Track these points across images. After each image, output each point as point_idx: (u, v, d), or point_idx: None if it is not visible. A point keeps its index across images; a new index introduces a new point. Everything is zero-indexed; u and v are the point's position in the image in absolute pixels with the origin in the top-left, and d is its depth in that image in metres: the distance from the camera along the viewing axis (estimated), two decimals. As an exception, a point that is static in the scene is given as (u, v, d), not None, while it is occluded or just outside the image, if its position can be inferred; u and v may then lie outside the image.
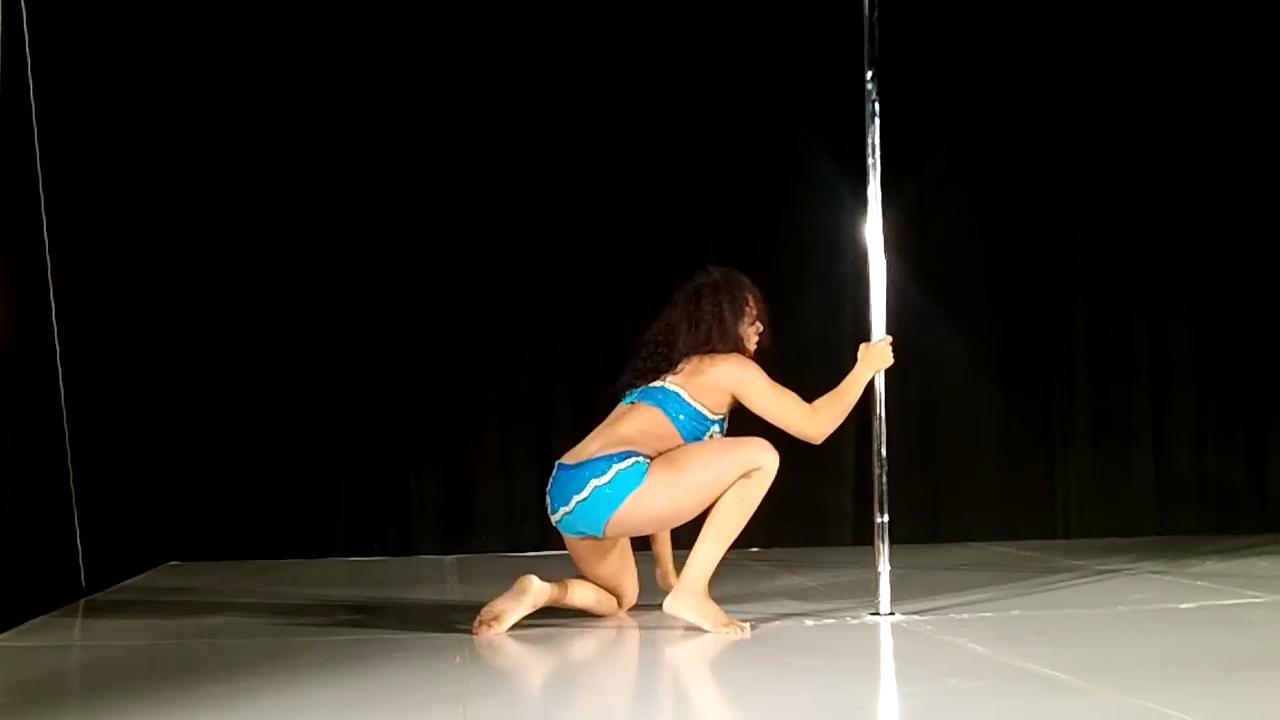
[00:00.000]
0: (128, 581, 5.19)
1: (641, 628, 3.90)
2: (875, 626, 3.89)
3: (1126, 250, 6.64)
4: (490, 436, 6.16)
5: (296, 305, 6.02)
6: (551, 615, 3.95)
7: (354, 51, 6.11)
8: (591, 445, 3.87)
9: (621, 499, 3.74)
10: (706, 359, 3.91)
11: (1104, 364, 6.61)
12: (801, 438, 3.95)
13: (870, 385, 4.06)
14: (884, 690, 3.18)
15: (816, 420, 3.92)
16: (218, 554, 5.81)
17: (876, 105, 4.09)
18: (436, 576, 5.27)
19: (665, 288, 6.13)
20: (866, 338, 4.10)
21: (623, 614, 4.08)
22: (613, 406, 4.02)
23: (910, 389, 6.08)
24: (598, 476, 3.76)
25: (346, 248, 6.08)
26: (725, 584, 4.76)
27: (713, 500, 3.79)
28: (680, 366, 3.91)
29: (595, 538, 3.88)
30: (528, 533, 6.08)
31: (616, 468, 3.75)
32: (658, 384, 3.92)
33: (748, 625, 3.78)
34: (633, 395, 3.97)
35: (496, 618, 3.80)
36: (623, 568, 4.06)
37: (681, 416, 3.87)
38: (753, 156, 6.31)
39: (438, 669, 3.31)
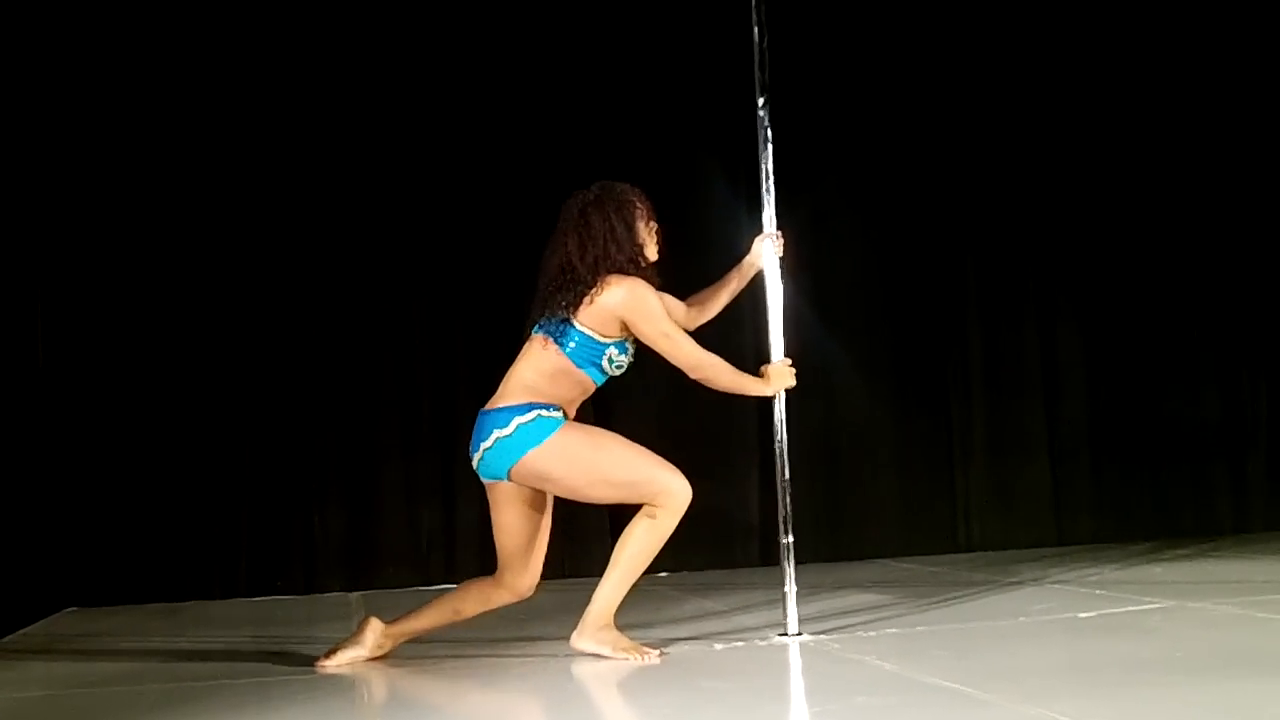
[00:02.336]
0: (24, 630, 5.07)
1: (552, 656, 3.89)
2: (784, 647, 3.91)
3: (1017, 266, 6.77)
4: (394, 467, 6.12)
5: (192, 341, 5.94)
6: (463, 646, 3.92)
7: (246, 88, 6.05)
8: (499, 391, 3.85)
9: (522, 452, 3.73)
10: (600, 284, 3.80)
11: (998, 378, 6.72)
12: (684, 369, 3.89)
13: (771, 408, 4.09)
14: (794, 711, 3.19)
15: (704, 368, 3.86)
16: (118, 598, 5.70)
17: (769, 131, 4.13)
18: (342, 614, 5.20)
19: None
20: (766, 354, 4.13)
21: (511, 600, 3.97)
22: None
23: (809, 408, 6.14)
24: (500, 427, 3.76)
25: (241, 283, 6.01)
26: (633, 610, 4.75)
27: (608, 498, 3.81)
28: (580, 293, 3.80)
29: (498, 483, 3.84)
30: (435, 564, 6.04)
31: (517, 420, 3.74)
32: (558, 315, 3.83)
33: (655, 651, 3.77)
34: (535, 329, 3.90)
35: (332, 653, 3.87)
36: (528, 544, 3.93)
37: (572, 344, 3.81)
38: (652, 180, 6.24)
39: (344, 708, 3.27)
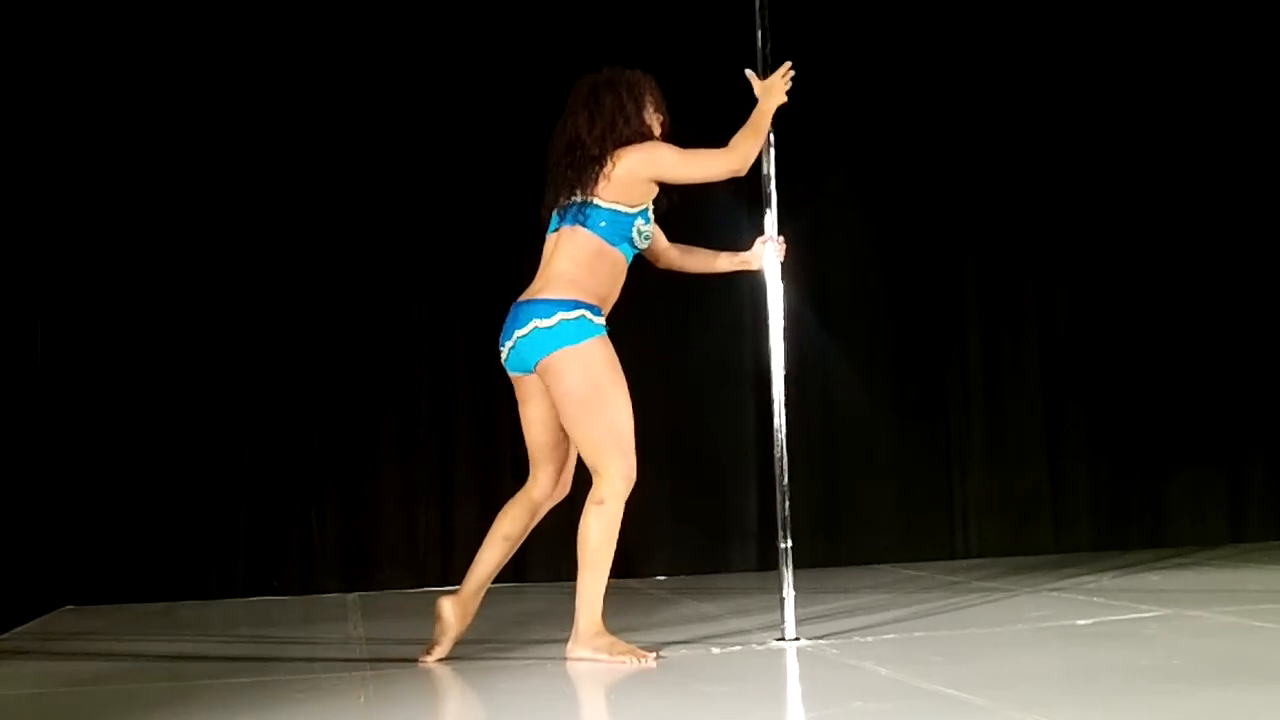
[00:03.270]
0: (20, 627, 5.06)
1: (549, 659, 3.88)
2: (781, 652, 3.91)
3: (1019, 273, 6.77)
4: (392, 469, 6.11)
5: (191, 341, 5.93)
6: (460, 649, 3.92)
7: (247, 88, 6.05)
8: (536, 284, 3.85)
9: (556, 346, 3.72)
10: (610, 159, 3.82)
11: (997, 383, 6.72)
12: (729, 176, 3.93)
13: (770, 413, 4.10)
14: (791, 715, 3.19)
15: (734, 155, 3.91)
16: (114, 597, 5.69)
17: (771, 135, 4.13)
18: (339, 615, 5.20)
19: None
20: (766, 360, 4.13)
21: (548, 504, 3.98)
22: (543, 229, 3.98)
23: (809, 412, 6.15)
24: (541, 317, 3.75)
25: (240, 283, 6.00)
26: (630, 613, 4.76)
27: (579, 433, 3.77)
28: (595, 171, 3.83)
29: (526, 376, 3.85)
30: (431, 566, 6.04)
31: (561, 315, 3.74)
32: (576, 199, 3.85)
33: (651, 654, 3.77)
34: (555, 223, 3.92)
35: (431, 648, 3.90)
36: (559, 439, 3.91)
37: (603, 224, 3.83)
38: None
39: (340, 710, 3.27)
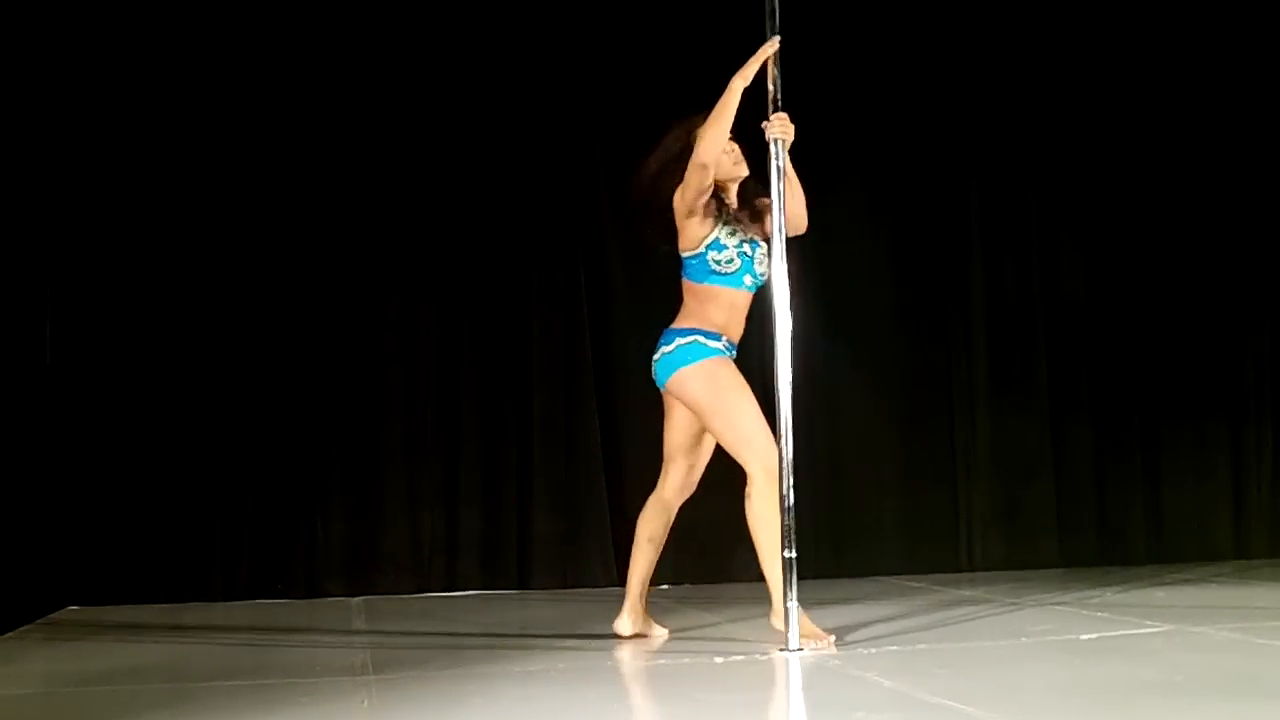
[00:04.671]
0: (25, 627, 5.07)
1: (552, 667, 3.89)
2: (784, 662, 3.91)
3: (1025, 286, 6.77)
4: (397, 473, 6.11)
5: (198, 345, 5.93)
6: (463, 655, 3.92)
7: (254, 92, 6.06)
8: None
9: (674, 368, 4.25)
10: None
11: (1003, 397, 6.72)
12: (705, 163, 4.14)
13: (776, 424, 4.10)
14: (793, 726, 3.19)
15: (698, 149, 4.15)
16: (119, 598, 5.69)
17: (779, 144, 4.13)
18: (343, 618, 5.21)
19: (573, 322, 6.23)
20: (772, 370, 4.13)
21: (677, 502, 4.50)
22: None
23: (815, 424, 6.14)
24: (666, 344, 4.30)
25: (247, 287, 6.00)
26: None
27: (721, 438, 4.26)
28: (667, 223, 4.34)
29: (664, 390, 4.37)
30: (436, 572, 6.04)
31: (678, 340, 4.28)
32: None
33: (830, 637, 4.07)
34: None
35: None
36: (692, 444, 4.42)
37: (686, 270, 4.33)
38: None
39: (343, 714, 3.27)
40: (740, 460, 4.21)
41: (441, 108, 6.21)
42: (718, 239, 4.24)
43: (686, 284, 4.33)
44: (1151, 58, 6.90)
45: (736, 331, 4.34)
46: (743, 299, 4.32)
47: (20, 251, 5.49)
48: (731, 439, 4.21)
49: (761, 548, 4.16)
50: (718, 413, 4.21)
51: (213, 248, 5.98)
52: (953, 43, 6.74)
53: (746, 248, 4.27)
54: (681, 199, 4.23)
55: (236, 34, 6.03)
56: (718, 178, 4.24)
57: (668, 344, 4.29)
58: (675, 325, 4.33)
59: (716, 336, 4.27)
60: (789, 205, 4.18)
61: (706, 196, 4.22)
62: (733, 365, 4.29)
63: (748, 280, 4.29)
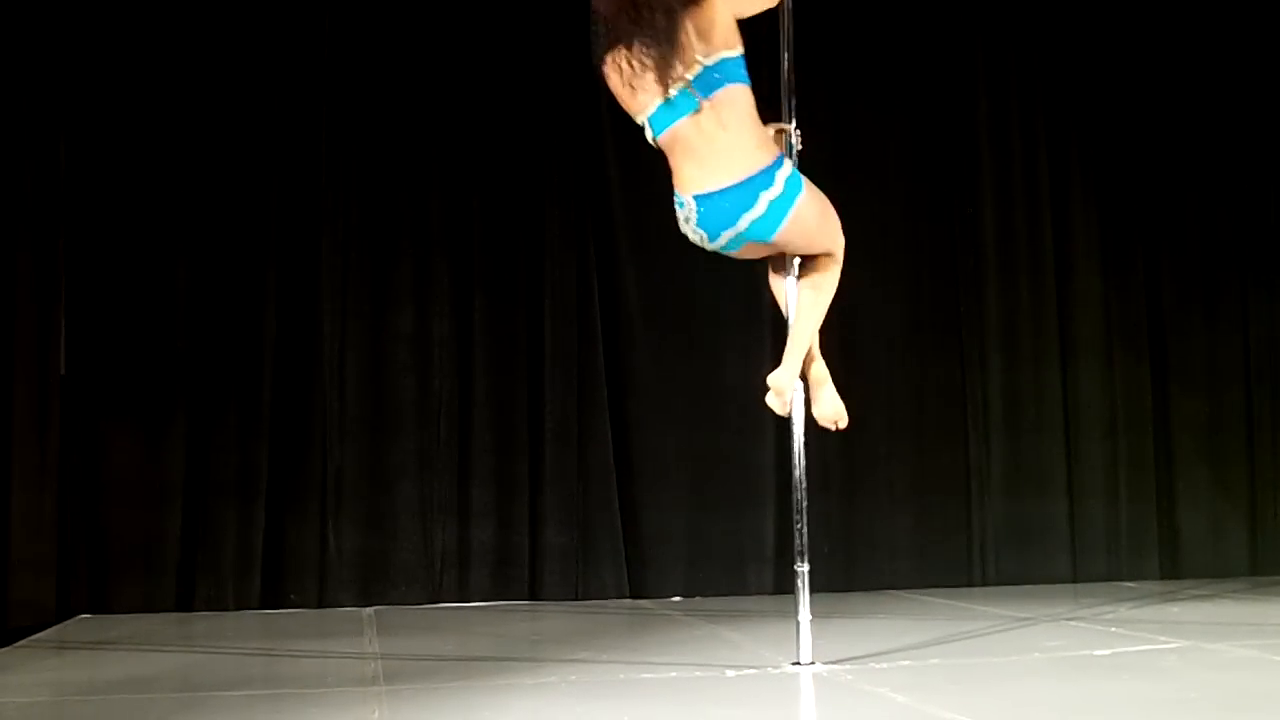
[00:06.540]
0: (36, 635, 5.08)
1: (563, 680, 3.88)
2: (796, 676, 3.90)
3: (1039, 300, 6.75)
4: (409, 485, 6.10)
5: (210, 351, 5.93)
6: (473, 668, 3.92)
7: (261, 97, 6.08)
8: (715, 166, 3.76)
9: (790, 204, 3.79)
10: (687, 8, 3.70)
11: (1017, 413, 6.69)
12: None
13: (789, 436, 4.10)
14: (804, 741, 3.18)
15: None
16: (130, 606, 5.69)
17: (797, 147, 4.13)
18: (354, 629, 5.20)
19: (588, 334, 6.23)
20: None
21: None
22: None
23: (827, 437, 6.11)
24: (766, 188, 3.76)
25: (261, 295, 6.00)
26: (645, 635, 4.76)
27: (818, 245, 3.96)
28: (678, 34, 3.68)
29: (764, 244, 3.91)
30: (447, 583, 6.04)
31: (780, 175, 3.79)
32: (697, 65, 3.71)
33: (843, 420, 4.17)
34: (683, 98, 3.74)
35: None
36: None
37: (720, 75, 3.73)
38: (665, 192, 6.33)
39: (355, 724, 3.27)
40: (827, 251, 3.99)
41: (445, 113, 6.20)
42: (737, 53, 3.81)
43: (729, 93, 3.72)
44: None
45: None
46: None
47: (33, 260, 5.51)
48: (835, 236, 3.98)
49: (800, 313, 4.02)
50: (826, 222, 3.95)
51: (225, 256, 5.98)
52: (954, 43, 6.75)
53: None
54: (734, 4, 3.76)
55: (240, 32, 6.05)
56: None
57: (767, 187, 3.75)
58: (748, 171, 3.74)
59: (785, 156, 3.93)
60: None
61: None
62: None
63: None
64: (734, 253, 3.97)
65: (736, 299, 6.22)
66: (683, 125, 3.78)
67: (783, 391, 3.99)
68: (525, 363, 6.23)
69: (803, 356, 4.04)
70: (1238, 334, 6.93)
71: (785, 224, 3.81)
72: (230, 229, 6.00)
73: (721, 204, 3.78)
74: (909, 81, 6.67)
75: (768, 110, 4.02)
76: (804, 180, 3.88)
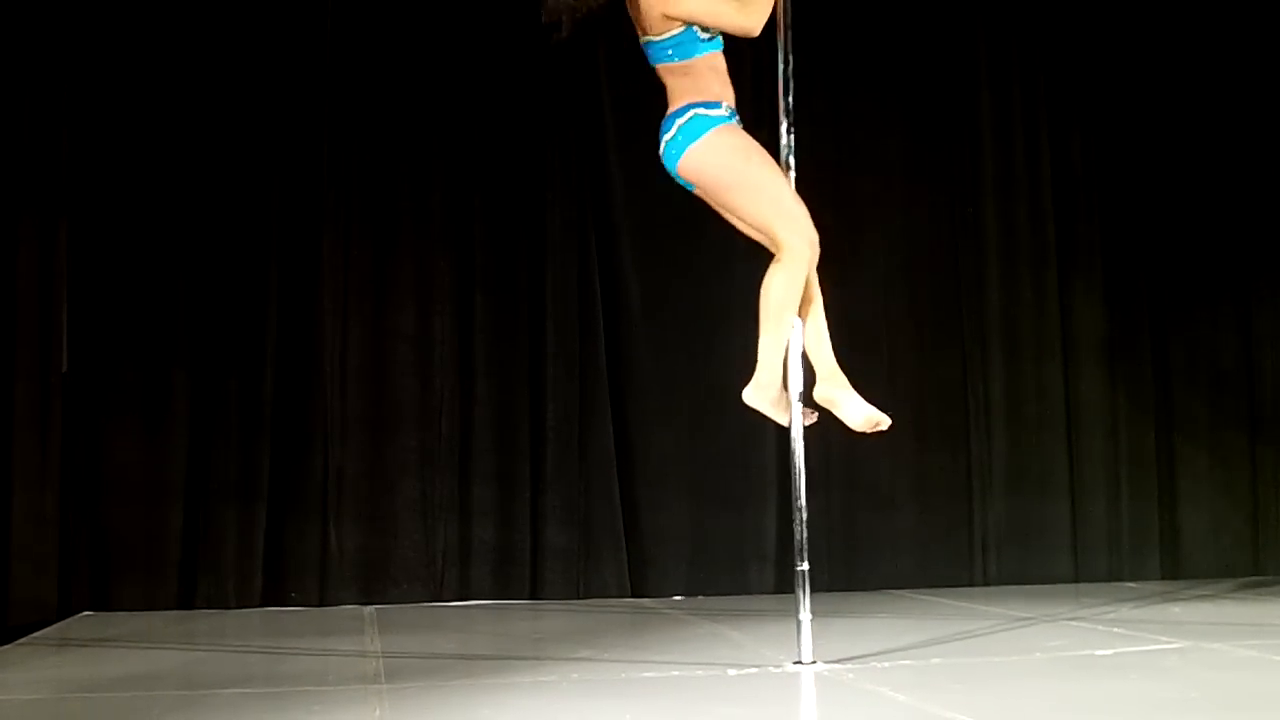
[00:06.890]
0: (38, 632, 5.08)
1: (564, 679, 3.88)
2: (797, 675, 3.90)
3: (1040, 301, 6.75)
4: (410, 484, 6.10)
5: (213, 349, 5.93)
6: (475, 666, 3.92)
7: (265, 103, 6.08)
8: (672, 102, 3.99)
9: (683, 149, 3.90)
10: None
11: (1019, 412, 6.69)
12: (740, 33, 3.98)
13: (790, 436, 4.09)
14: (805, 740, 3.19)
15: (750, 12, 3.96)
16: (132, 604, 5.69)
17: (792, 154, 4.13)
18: (355, 627, 5.20)
19: (589, 333, 6.23)
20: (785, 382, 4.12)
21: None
22: None
23: (831, 437, 6.12)
24: (666, 131, 3.94)
25: (262, 292, 6.00)
26: (646, 634, 4.76)
27: (746, 213, 3.95)
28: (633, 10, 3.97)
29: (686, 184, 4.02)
30: (448, 582, 6.03)
31: (677, 121, 3.92)
32: (646, 38, 3.98)
33: (814, 414, 4.06)
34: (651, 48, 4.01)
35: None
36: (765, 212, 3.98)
37: (669, 52, 3.95)
38: (667, 191, 6.33)
39: (356, 722, 3.27)
40: (773, 233, 3.93)
41: (449, 116, 6.21)
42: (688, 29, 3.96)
43: (668, 68, 3.97)
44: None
45: (732, 96, 4.01)
46: (722, 61, 4.02)
47: (36, 257, 5.51)
48: (767, 210, 3.90)
49: (767, 319, 3.95)
50: (744, 184, 3.92)
51: (226, 254, 5.98)
52: (955, 35, 6.76)
53: None
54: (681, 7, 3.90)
55: (245, 36, 6.05)
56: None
57: (667, 130, 3.94)
58: (687, 100, 3.93)
59: (716, 105, 3.96)
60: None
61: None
62: (746, 134, 4.00)
63: (721, 36, 4.01)
64: (697, 193, 4.04)
65: (738, 298, 6.20)
66: (658, 67, 4.04)
67: (760, 402, 4.00)
68: (527, 361, 6.23)
69: (772, 365, 3.99)
70: (1240, 333, 6.93)
71: (685, 158, 3.91)
72: (231, 227, 6.00)
73: (663, 130, 3.98)
74: (910, 73, 6.67)
75: (767, 107, 4.04)
76: (727, 133, 3.92)
